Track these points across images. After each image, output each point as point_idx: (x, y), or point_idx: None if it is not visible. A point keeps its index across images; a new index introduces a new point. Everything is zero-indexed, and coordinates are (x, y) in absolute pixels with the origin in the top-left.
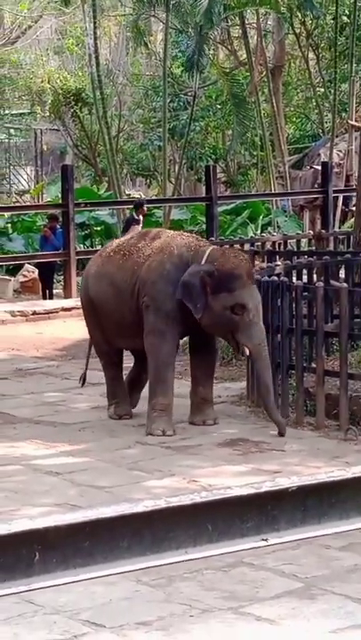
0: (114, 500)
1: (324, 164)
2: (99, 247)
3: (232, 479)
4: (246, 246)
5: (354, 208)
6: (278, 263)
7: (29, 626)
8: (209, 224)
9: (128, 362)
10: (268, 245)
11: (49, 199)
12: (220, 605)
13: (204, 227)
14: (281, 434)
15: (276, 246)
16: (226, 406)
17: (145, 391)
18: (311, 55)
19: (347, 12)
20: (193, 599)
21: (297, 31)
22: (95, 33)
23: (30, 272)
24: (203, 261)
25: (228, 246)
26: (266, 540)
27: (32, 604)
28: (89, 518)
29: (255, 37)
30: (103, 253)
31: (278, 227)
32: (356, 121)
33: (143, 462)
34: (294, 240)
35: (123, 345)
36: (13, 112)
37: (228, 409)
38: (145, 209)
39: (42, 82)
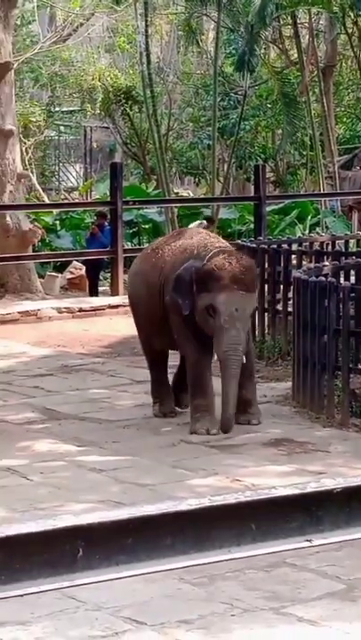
0: (157, 498)
1: None
2: (146, 245)
3: (276, 479)
4: (294, 246)
5: None
6: (326, 264)
7: (71, 621)
8: (257, 223)
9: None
10: (316, 246)
11: (97, 196)
12: (261, 605)
13: (252, 226)
14: (224, 430)
15: (324, 247)
16: (271, 406)
17: None
18: None
19: None
20: (235, 598)
21: (349, 31)
22: (147, 31)
23: (78, 269)
24: (205, 260)
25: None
26: (310, 540)
27: (74, 599)
28: (133, 515)
29: (307, 37)
30: (143, 252)
31: (327, 227)
32: None
33: (187, 461)
34: (342, 241)
35: (159, 344)
36: (64, 109)
37: (273, 409)
38: None
39: (92, 79)
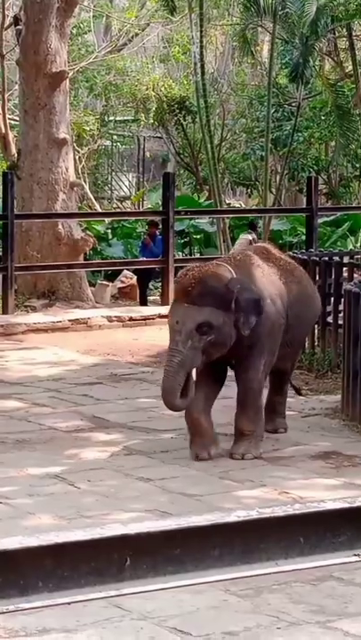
0: (204, 509)
1: None
2: (197, 255)
3: (324, 492)
4: (345, 259)
5: None
6: None
7: (116, 630)
8: (308, 235)
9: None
10: None
11: (149, 206)
12: (307, 619)
13: (303, 238)
14: None
15: None
16: (320, 419)
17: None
18: None
19: None
20: (281, 611)
21: None
22: (201, 41)
23: (128, 278)
24: None
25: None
26: (358, 555)
27: (120, 608)
28: (181, 526)
29: None
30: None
31: None
32: None
33: (234, 472)
34: None
35: None
36: (118, 119)
37: (322, 421)
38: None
39: (147, 89)
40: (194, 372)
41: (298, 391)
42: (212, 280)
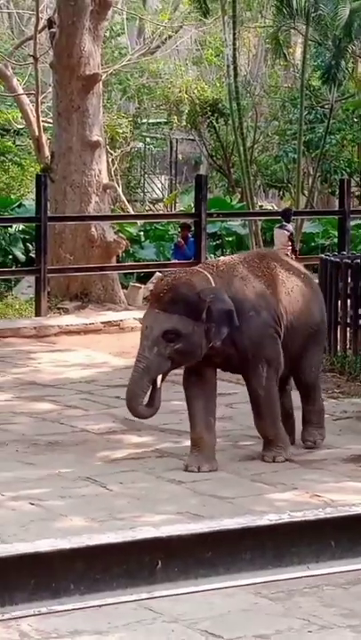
0: (236, 512)
1: None
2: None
3: (355, 496)
4: None
5: None
6: None
7: (147, 633)
8: (341, 238)
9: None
10: None
11: (182, 208)
12: (339, 622)
13: (335, 240)
14: None
15: None
16: (351, 422)
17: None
18: None
19: None
20: (312, 615)
21: None
22: (234, 44)
23: None
24: None
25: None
26: None
27: (151, 610)
28: (213, 529)
29: None
30: None
31: None
32: None
33: (266, 474)
34: None
35: None
36: (150, 121)
37: (353, 424)
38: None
39: (179, 92)
40: (159, 380)
41: None
42: (184, 288)
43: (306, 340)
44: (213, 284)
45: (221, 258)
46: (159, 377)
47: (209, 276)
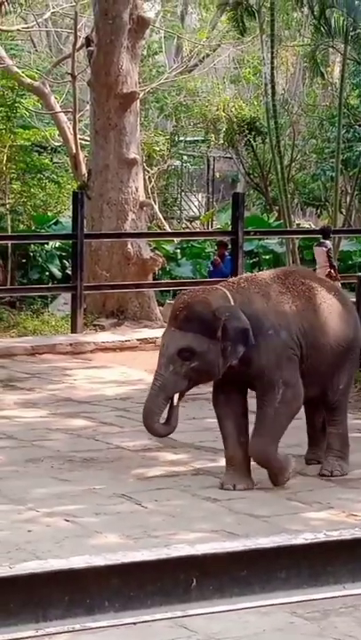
0: (271, 530)
1: None
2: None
3: None
4: None
5: None
6: None
7: None
8: None
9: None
10: None
11: (219, 226)
12: None
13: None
14: None
15: None
16: None
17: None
18: None
19: None
20: (348, 635)
21: None
22: (272, 62)
23: None
24: None
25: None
26: None
27: (186, 628)
28: (248, 547)
29: None
30: None
31: None
32: None
33: (302, 493)
34: None
35: None
36: (188, 139)
37: None
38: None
39: (217, 110)
40: (176, 398)
41: None
42: (200, 306)
43: (336, 358)
44: (232, 302)
45: (245, 275)
46: (176, 395)
47: (228, 293)
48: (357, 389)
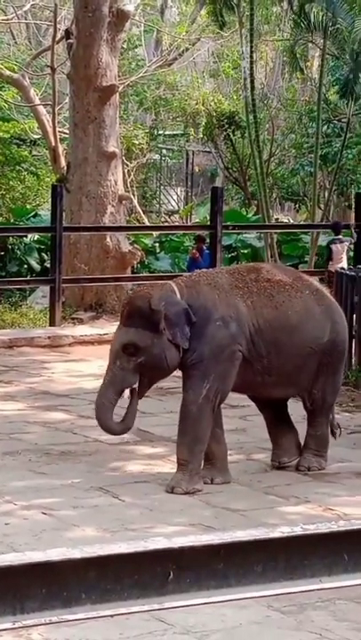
0: (248, 524)
1: None
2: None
3: None
4: None
5: None
6: None
7: None
8: (357, 252)
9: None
10: None
11: (197, 220)
12: (351, 637)
13: (351, 254)
14: None
15: None
16: None
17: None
18: None
19: None
20: (324, 629)
21: None
22: (252, 57)
23: None
24: None
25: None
26: None
27: (163, 622)
28: (225, 541)
29: None
30: None
31: None
32: None
33: (279, 487)
34: None
35: None
36: (167, 133)
37: None
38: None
39: (196, 104)
40: (127, 394)
41: (332, 432)
42: (140, 301)
43: (305, 360)
44: (179, 295)
45: (204, 269)
46: (127, 391)
47: (175, 287)
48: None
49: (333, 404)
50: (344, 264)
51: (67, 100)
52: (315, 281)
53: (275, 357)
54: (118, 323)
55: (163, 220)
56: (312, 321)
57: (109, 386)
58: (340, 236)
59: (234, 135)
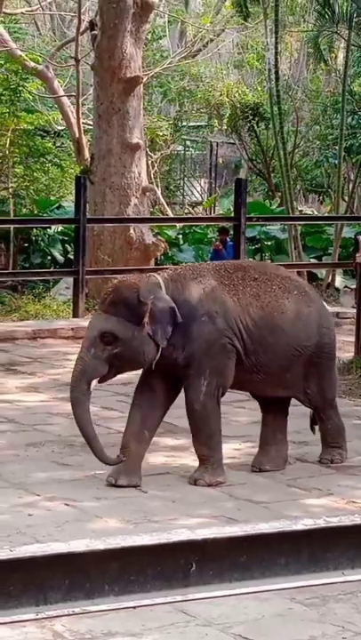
0: (270, 516)
1: None
2: (268, 261)
3: None
4: None
5: None
6: None
7: (181, 636)
8: None
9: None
10: None
11: (221, 212)
12: None
13: None
14: None
15: None
16: None
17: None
18: None
19: None
20: (347, 621)
21: None
22: (276, 48)
23: None
24: None
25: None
26: None
27: (185, 613)
28: (248, 533)
29: None
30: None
31: None
32: None
33: (302, 480)
34: None
35: None
36: (191, 124)
37: None
38: None
39: (220, 95)
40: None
41: (311, 427)
42: (127, 291)
43: (292, 361)
44: (164, 289)
45: (191, 264)
46: (95, 381)
47: (160, 279)
48: (358, 376)
49: (335, 397)
50: None
51: (91, 92)
52: (305, 282)
53: (262, 356)
54: (97, 310)
55: (186, 211)
56: (298, 323)
57: (82, 376)
58: None
59: (258, 127)
